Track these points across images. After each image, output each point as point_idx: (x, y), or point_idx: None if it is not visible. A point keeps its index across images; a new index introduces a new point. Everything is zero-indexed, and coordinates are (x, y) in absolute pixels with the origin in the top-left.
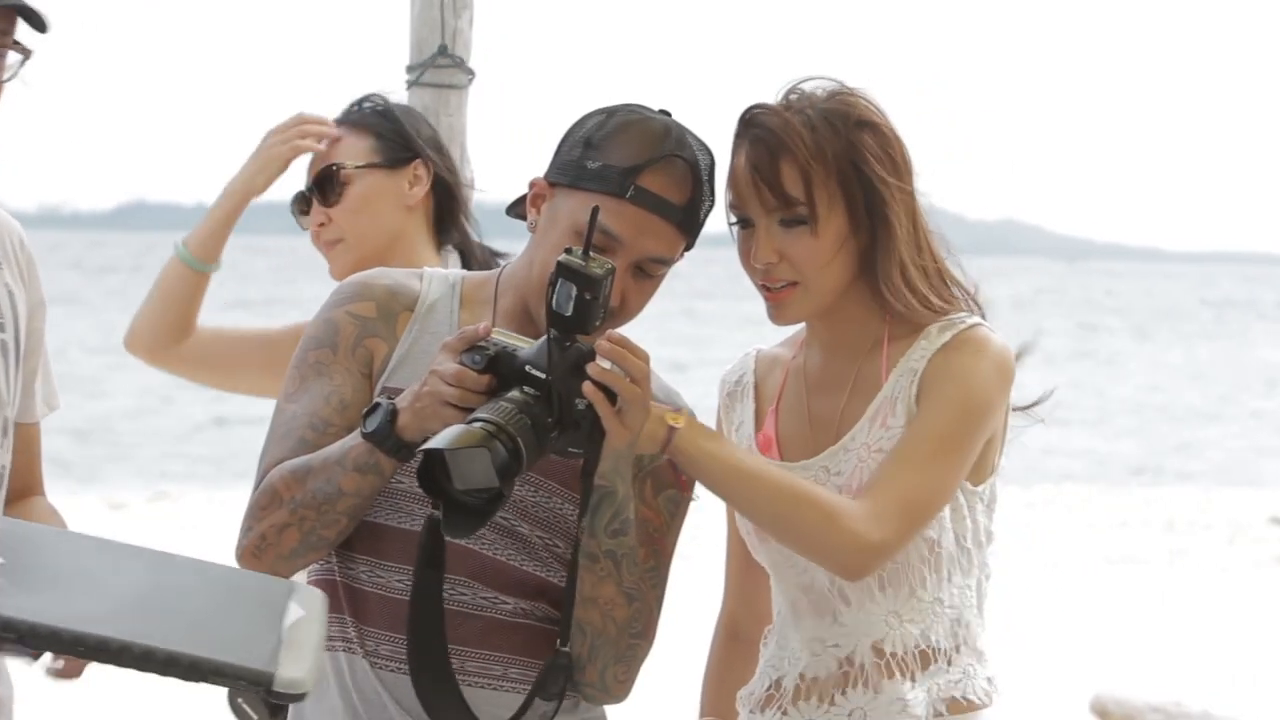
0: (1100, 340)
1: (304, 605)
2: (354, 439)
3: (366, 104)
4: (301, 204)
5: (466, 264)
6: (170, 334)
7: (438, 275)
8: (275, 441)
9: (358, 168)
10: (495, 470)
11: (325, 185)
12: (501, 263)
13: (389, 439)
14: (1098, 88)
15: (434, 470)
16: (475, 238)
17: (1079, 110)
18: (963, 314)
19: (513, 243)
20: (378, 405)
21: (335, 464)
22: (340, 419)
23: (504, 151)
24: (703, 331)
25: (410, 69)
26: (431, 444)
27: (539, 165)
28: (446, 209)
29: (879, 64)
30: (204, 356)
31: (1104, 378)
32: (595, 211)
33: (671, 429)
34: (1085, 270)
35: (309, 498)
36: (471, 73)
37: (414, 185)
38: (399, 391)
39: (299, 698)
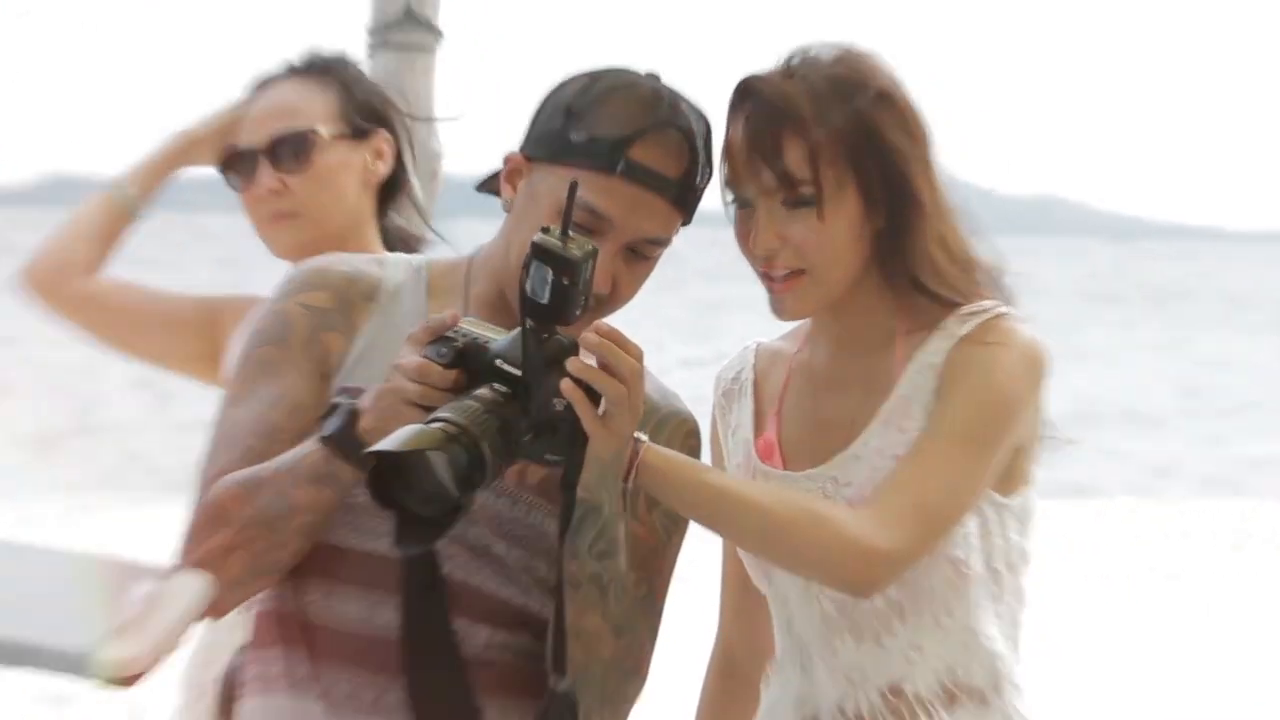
0: (1167, 329)
1: (167, 587)
2: (309, 446)
3: (335, 59)
4: (244, 166)
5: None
6: (78, 269)
7: (400, 260)
8: (218, 451)
9: (332, 136)
10: (453, 478)
11: (289, 149)
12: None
13: (349, 444)
14: (1146, 49)
15: (387, 477)
16: (411, 230)
17: (1125, 74)
18: (986, 302)
19: (485, 222)
20: (336, 406)
21: (288, 475)
22: (292, 424)
23: (476, 120)
24: (722, 324)
25: (372, 31)
26: (380, 445)
27: (514, 136)
28: (392, 193)
29: (892, 22)
30: (106, 303)
31: (1149, 373)
32: (574, 187)
33: (636, 441)
34: (1139, 252)
35: (258, 515)
36: (439, 34)
37: (377, 160)
38: (360, 392)
39: (130, 681)
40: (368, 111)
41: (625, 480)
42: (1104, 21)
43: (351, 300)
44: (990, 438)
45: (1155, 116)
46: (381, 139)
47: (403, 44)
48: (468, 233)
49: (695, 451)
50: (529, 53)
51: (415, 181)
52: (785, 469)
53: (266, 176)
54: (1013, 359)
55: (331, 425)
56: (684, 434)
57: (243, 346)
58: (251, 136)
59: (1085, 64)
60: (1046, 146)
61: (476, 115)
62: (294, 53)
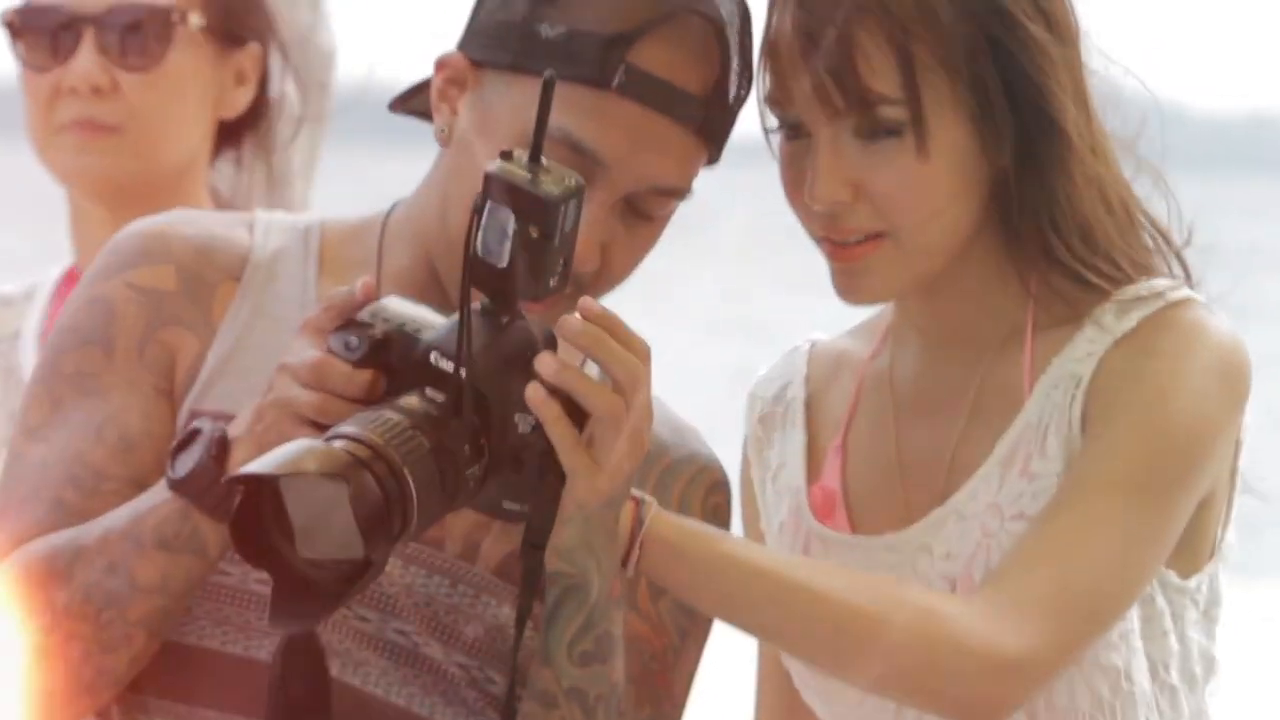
0: None
1: None
2: (155, 497)
3: None
4: (46, 35)
5: None
6: None
7: (278, 222)
8: (14, 508)
9: (199, 29)
10: (357, 522)
11: (133, 31)
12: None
13: (215, 490)
14: None
15: (261, 518)
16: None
17: None
18: (1159, 282)
19: (403, 161)
20: (195, 433)
21: (124, 540)
22: (123, 467)
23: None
24: (778, 306)
25: None
26: (250, 467)
27: (450, 28)
28: (232, 140)
29: None
30: None
31: None
32: (549, 83)
33: (638, 502)
34: None
35: (80, 600)
36: None
37: (238, 86)
38: (224, 416)
39: None
40: (245, 8)
41: (624, 563)
42: None
43: (206, 279)
44: (1169, 489)
45: None
46: (248, 56)
47: None
48: (374, 178)
49: (722, 515)
50: None
51: (278, 132)
52: (853, 532)
53: (89, 62)
54: (1201, 370)
55: (187, 463)
56: (705, 489)
57: (43, 352)
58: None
59: None
60: (1258, 48)
61: None
62: None
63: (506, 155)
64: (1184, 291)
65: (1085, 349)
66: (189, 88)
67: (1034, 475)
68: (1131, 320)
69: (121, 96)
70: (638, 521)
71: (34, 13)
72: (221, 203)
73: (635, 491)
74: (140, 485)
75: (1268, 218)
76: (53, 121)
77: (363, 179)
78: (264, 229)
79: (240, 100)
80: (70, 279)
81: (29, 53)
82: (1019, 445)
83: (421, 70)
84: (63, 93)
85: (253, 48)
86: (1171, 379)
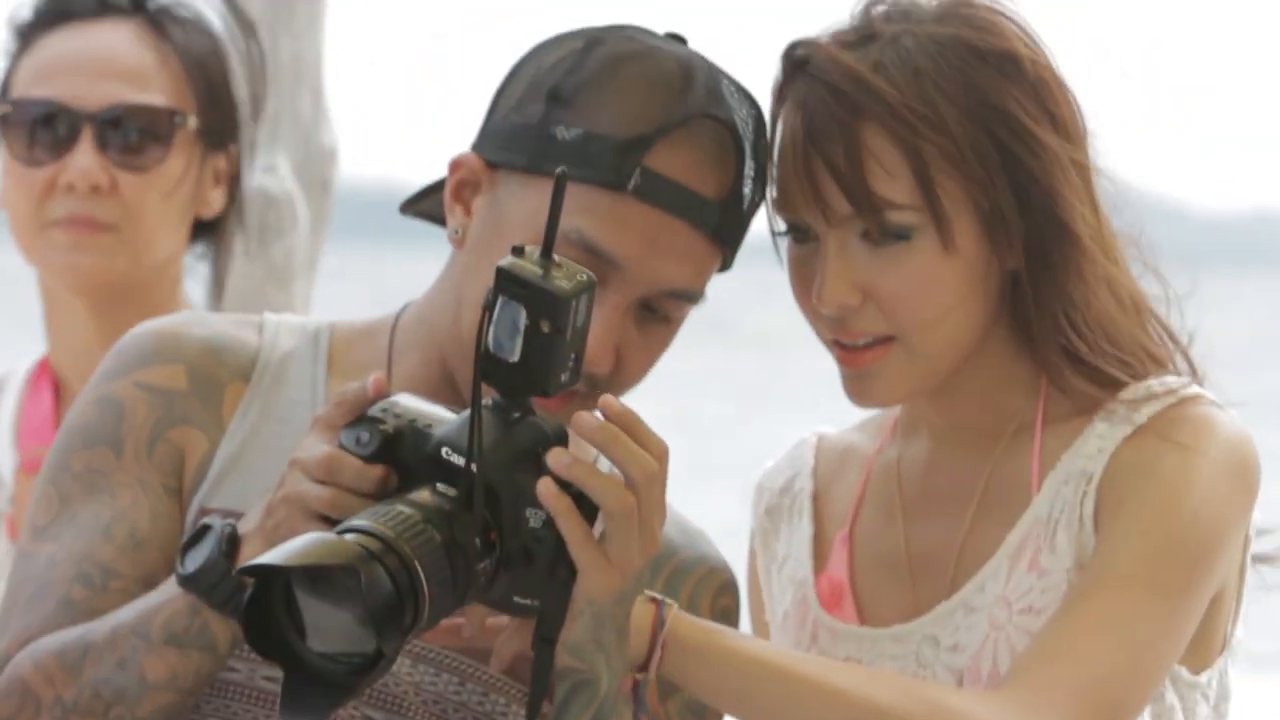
0: None
1: None
2: (164, 593)
3: (175, 2)
4: (45, 129)
5: None
6: None
7: (288, 323)
8: (22, 606)
9: (196, 131)
10: (369, 614)
11: (136, 131)
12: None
13: (225, 587)
14: None
15: (273, 611)
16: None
17: None
18: (1169, 379)
19: (415, 260)
20: (204, 530)
21: (133, 638)
22: (132, 565)
23: (388, 99)
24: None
25: None
26: (262, 558)
27: (465, 130)
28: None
29: None
30: None
31: None
32: (563, 179)
33: (659, 604)
34: None
35: (90, 697)
36: None
37: (215, 187)
38: (233, 514)
39: None
40: (231, 110)
41: (645, 666)
42: None
43: (217, 379)
44: (1183, 588)
45: None
46: (227, 156)
47: None
48: (377, 276)
49: (731, 617)
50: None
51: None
52: (861, 624)
53: (89, 160)
54: (1212, 467)
55: (197, 560)
56: (714, 591)
57: (51, 454)
58: (66, 90)
59: None
60: (1259, 147)
61: (396, 94)
62: None
63: (518, 251)
64: (1194, 388)
65: (1096, 445)
66: (181, 188)
67: (1043, 570)
68: (1142, 416)
69: (119, 196)
70: (659, 623)
71: (29, 105)
72: (192, 300)
73: (654, 593)
74: (149, 583)
75: (1271, 309)
76: (43, 216)
77: (367, 280)
78: (273, 330)
79: (217, 200)
80: (43, 370)
81: (21, 146)
82: (1028, 539)
83: (432, 171)
84: (58, 189)
85: (231, 148)
86: (1184, 476)
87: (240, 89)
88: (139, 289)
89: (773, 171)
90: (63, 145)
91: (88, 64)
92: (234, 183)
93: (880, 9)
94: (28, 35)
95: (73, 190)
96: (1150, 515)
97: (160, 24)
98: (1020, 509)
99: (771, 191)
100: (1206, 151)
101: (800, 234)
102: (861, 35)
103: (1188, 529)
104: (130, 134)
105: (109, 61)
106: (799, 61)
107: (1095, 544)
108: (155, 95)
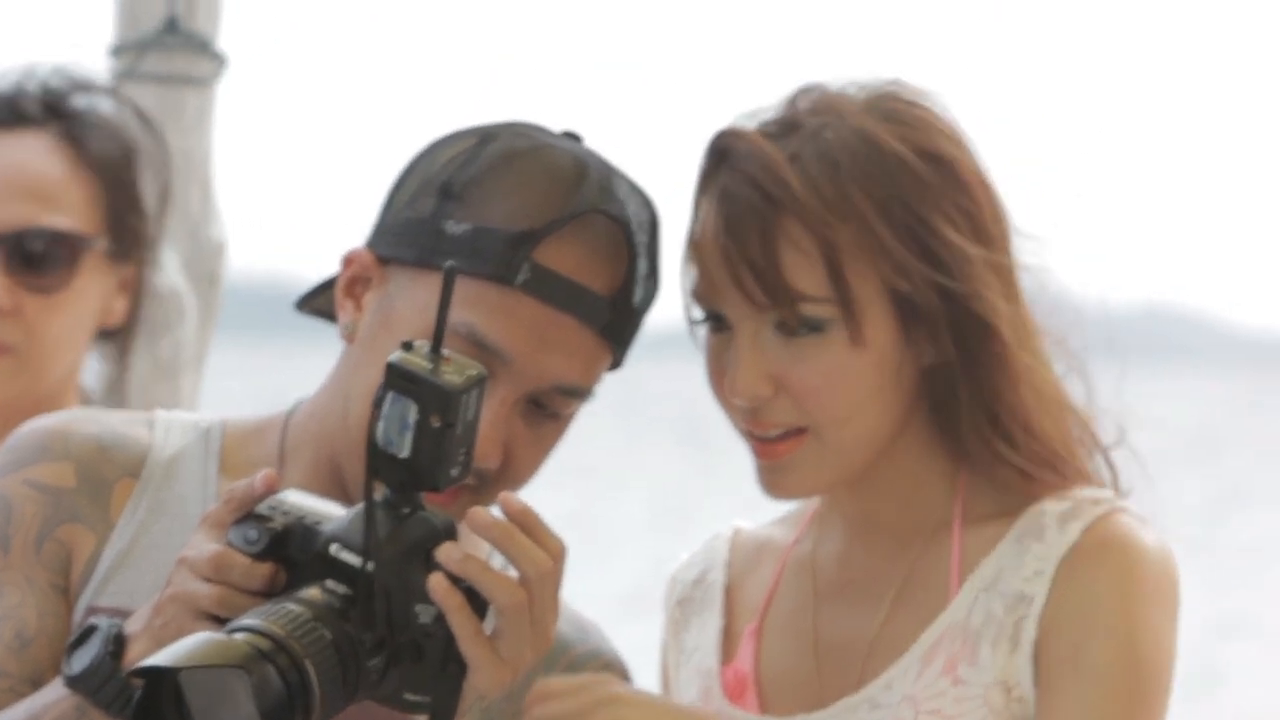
0: None
1: None
2: (51, 694)
3: (89, 107)
4: None
5: None
6: None
7: (177, 421)
8: None
9: (103, 251)
10: (259, 714)
11: (41, 254)
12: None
13: (112, 687)
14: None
15: (161, 711)
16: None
17: (1258, 155)
18: (1098, 492)
19: (303, 356)
20: (91, 630)
21: None
22: (19, 664)
23: (276, 192)
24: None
25: (118, 51)
26: (154, 659)
27: (356, 224)
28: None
29: (941, 57)
30: None
31: None
32: (451, 273)
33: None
34: None
35: None
36: (221, 59)
37: (120, 295)
38: (121, 612)
39: None
40: (141, 221)
41: None
42: (1231, 91)
43: (105, 477)
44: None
45: None
46: (134, 265)
47: (164, 73)
48: (265, 377)
49: None
50: (367, 89)
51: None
52: (762, 714)
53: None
54: (1149, 603)
55: (83, 661)
56: None
57: None
58: None
59: (1204, 134)
60: (1152, 242)
61: (283, 184)
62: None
63: (407, 346)
64: (1115, 502)
65: (1033, 566)
66: (87, 308)
67: (961, 680)
68: (1072, 533)
69: (22, 318)
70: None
71: None
72: (89, 400)
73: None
74: (36, 683)
75: (1169, 400)
76: None
77: (257, 375)
78: (164, 428)
79: (120, 309)
80: None
81: None
82: (942, 642)
83: (320, 266)
84: None
85: (138, 257)
86: (1126, 621)
87: (150, 193)
88: (36, 404)
89: (690, 259)
90: None
91: None
92: (139, 288)
93: (808, 100)
94: None
95: None
96: (1107, 676)
97: (74, 134)
98: (936, 609)
99: (690, 280)
100: (1102, 239)
101: (717, 323)
102: (785, 126)
103: (1145, 680)
104: (37, 257)
105: (18, 179)
106: (722, 152)
107: (1046, 698)
108: (65, 216)
